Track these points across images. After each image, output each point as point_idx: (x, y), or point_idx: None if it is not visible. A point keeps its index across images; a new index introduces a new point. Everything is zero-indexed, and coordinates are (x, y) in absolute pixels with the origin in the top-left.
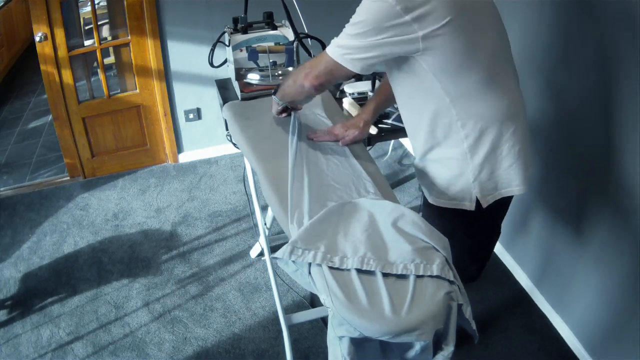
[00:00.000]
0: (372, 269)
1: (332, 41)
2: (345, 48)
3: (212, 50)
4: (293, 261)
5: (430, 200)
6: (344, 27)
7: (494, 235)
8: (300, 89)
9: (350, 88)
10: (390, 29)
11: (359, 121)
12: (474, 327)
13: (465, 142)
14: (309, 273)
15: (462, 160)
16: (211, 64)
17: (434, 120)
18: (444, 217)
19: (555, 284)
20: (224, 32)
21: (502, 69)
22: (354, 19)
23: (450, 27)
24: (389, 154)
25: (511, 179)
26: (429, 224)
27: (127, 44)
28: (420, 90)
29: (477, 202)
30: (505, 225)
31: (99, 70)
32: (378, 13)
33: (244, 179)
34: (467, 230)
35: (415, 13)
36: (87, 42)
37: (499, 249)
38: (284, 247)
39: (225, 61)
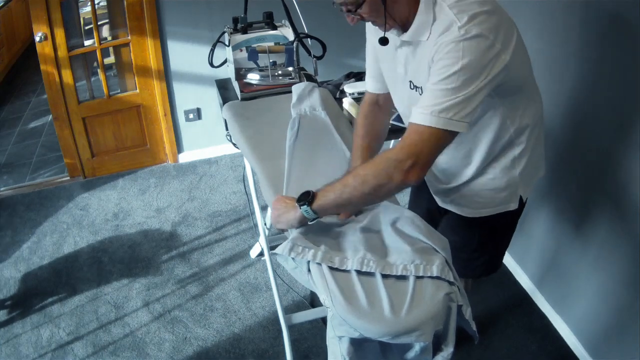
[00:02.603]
0: (372, 270)
1: (425, 110)
2: (449, 110)
3: (212, 50)
4: (292, 258)
5: (468, 214)
6: (432, 89)
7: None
8: (389, 190)
9: (350, 88)
10: (490, 63)
11: None
12: (474, 327)
13: (517, 149)
14: (308, 270)
15: (510, 167)
16: (211, 64)
17: (492, 144)
18: (484, 226)
19: (555, 284)
20: (224, 32)
21: None
22: (449, 69)
23: (517, 40)
24: None
25: (541, 166)
26: (467, 236)
27: (127, 44)
28: (479, 119)
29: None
30: None
31: (99, 70)
32: (478, 50)
33: (244, 179)
34: (510, 228)
35: (501, 37)
36: (87, 42)
37: None
38: (284, 243)
39: (225, 61)
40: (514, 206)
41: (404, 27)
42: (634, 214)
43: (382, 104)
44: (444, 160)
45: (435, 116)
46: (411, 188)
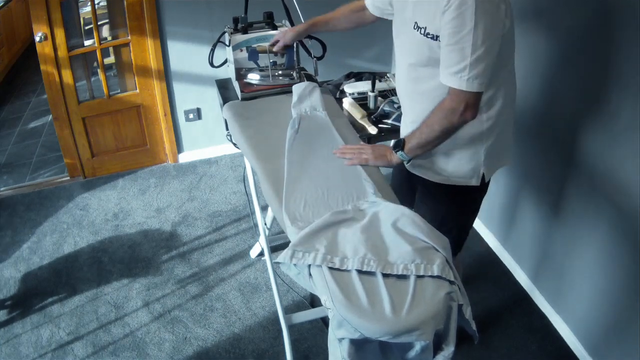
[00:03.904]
0: (373, 270)
1: (456, 75)
2: (478, 76)
3: (212, 50)
4: (294, 264)
5: (432, 178)
6: (453, 48)
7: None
8: (454, 129)
9: (350, 88)
10: (499, 24)
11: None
12: (474, 327)
13: (485, 124)
14: (310, 275)
15: (477, 141)
16: (211, 64)
17: None
18: (450, 197)
19: (554, 282)
20: (224, 32)
21: None
22: (464, 28)
23: (511, 9)
24: None
25: (506, 153)
26: (434, 207)
27: (127, 44)
28: None
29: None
30: (501, 221)
31: (99, 70)
32: (489, 10)
33: (244, 179)
34: (474, 207)
35: (505, 2)
36: (87, 42)
37: (496, 246)
38: (285, 251)
39: (226, 61)
40: (475, 182)
41: None
42: (633, 211)
43: (368, 17)
44: (414, 122)
45: (463, 80)
46: (395, 172)
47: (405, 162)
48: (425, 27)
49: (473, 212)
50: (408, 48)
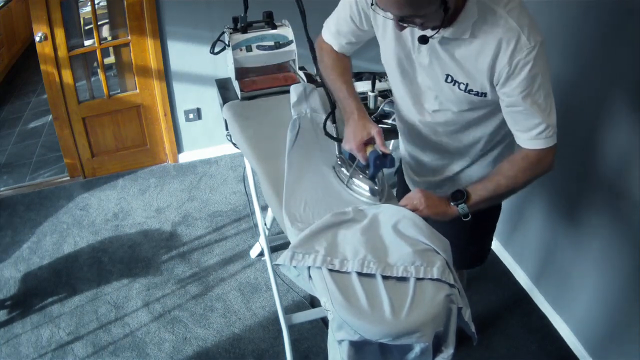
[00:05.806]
0: (372, 272)
1: (539, 135)
2: (553, 127)
3: (213, 48)
4: (294, 266)
5: None
6: (530, 110)
7: None
8: (534, 180)
9: None
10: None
11: (371, 127)
12: (473, 329)
13: (504, 143)
14: (309, 276)
15: (497, 160)
16: (212, 52)
17: (490, 140)
18: (476, 215)
19: (554, 282)
20: (223, 32)
21: None
22: (532, 86)
23: None
24: None
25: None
26: (465, 223)
27: (127, 44)
28: (492, 115)
29: None
30: (502, 221)
31: (99, 70)
32: (544, 56)
33: (244, 179)
34: (496, 219)
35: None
36: (87, 42)
37: (497, 246)
38: (285, 253)
39: (224, 48)
40: None
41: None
42: (633, 211)
43: (349, 55)
44: (437, 153)
45: (548, 138)
46: (401, 179)
47: (462, 217)
48: (467, 84)
49: (494, 225)
50: (432, 96)
